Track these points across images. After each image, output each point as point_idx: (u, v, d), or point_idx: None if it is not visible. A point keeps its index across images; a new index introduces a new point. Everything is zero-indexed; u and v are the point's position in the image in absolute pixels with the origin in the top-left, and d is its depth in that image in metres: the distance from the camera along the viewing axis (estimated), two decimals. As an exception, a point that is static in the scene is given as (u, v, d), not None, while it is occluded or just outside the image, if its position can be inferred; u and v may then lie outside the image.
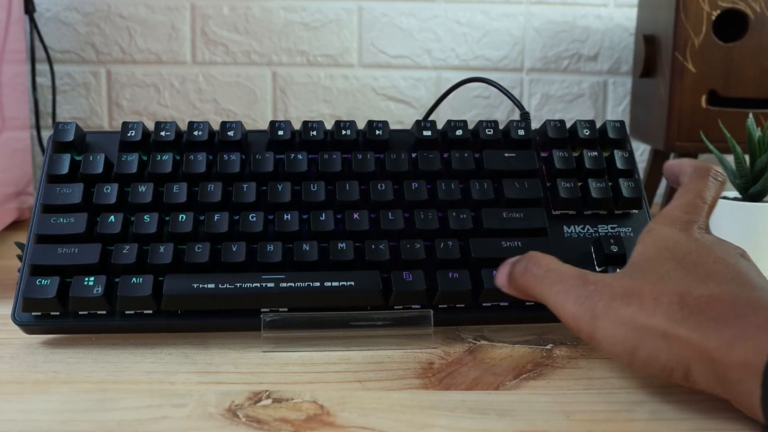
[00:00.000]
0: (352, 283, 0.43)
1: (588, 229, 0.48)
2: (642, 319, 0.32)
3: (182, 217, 0.45)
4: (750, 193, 0.60)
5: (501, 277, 0.40)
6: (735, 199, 0.62)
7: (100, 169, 0.47)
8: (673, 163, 0.44)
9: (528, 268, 0.38)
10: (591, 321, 0.34)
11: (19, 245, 0.55)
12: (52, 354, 0.42)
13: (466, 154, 0.49)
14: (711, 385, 0.31)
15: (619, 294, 0.33)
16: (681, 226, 0.38)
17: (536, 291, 0.37)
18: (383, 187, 0.47)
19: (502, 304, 0.45)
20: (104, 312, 0.43)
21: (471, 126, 0.51)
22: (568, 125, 0.51)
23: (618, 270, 0.37)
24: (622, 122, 0.51)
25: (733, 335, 0.30)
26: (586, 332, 0.34)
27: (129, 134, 0.49)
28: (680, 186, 0.42)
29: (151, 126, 0.50)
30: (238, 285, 0.43)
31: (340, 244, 0.45)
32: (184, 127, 0.50)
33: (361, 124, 0.51)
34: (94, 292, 0.42)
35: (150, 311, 0.43)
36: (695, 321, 0.31)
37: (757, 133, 0.59)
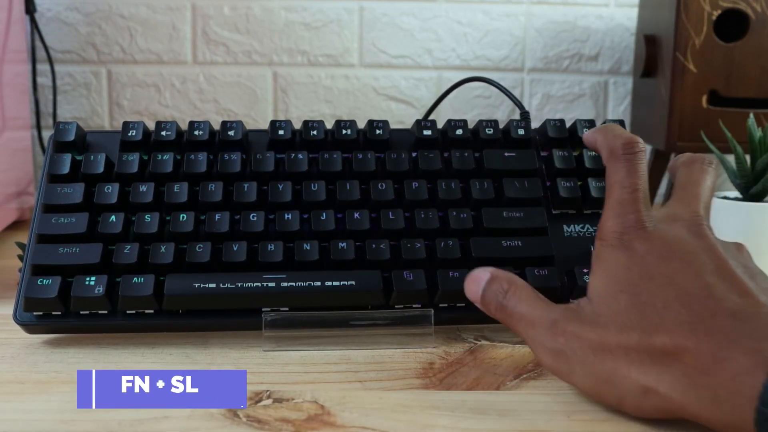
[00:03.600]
0: (353, 283, 0.43)
1: (588, 228, 0.48)
2: (619, 376, 0.33)
3: (183, 217, 0.46)
4: (751, 194, 0.60)
5: (472, 293, 0.39)
6: (736, 199, 0.62)
7: (101, 169, 0.47)
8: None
9: (503, 304, 0.38)
10: (568, 375, 0.35)
11: (20, 245, 0.55)
12: (53, 354, 0.42)
13: (466, 154, 0.49)
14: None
15: (590, 349, 0.34)
16: (619, 241, 0.36)
17: (509, 326, 0.38)
18: (384, 187, 0.47)
19: (502, 303, 0.45)
20: (105, 312, 0.43)
21: (471, 125, 0.51)
22: (569, 125, 0.51)
23: (580, 303, 0.36)
24: (621, 121, 0.51)
25: (709, 398, 0.30)
26: (566, 381, 0.35)
27: (130, 134, 0.49)
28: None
29: (151, 126, 0.50)
30: (239, 284, 0.43)
31: (340, 244, 0.45)
32: (184, 126, 0.50)
33: (361, 124, 0.51)
34: (96, 291, 0.42)
35: (151, 311, 0.43)
36: (670, 377, 0.31)
37: (758, 133, 0.59)
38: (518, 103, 0.56)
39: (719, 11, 0.75)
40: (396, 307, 0.44)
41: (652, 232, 0.36)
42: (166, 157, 0.48)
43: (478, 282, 0.39)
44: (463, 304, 0.44)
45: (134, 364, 0.40)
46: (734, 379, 0.29)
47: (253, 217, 0.46)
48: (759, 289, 0.32)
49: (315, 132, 0.50)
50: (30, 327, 0.43)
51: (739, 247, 0.36)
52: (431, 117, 0.58)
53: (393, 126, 0.51)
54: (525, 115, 0.56)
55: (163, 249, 0.44)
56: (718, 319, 0.31)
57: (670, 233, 0.35)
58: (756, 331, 0.30)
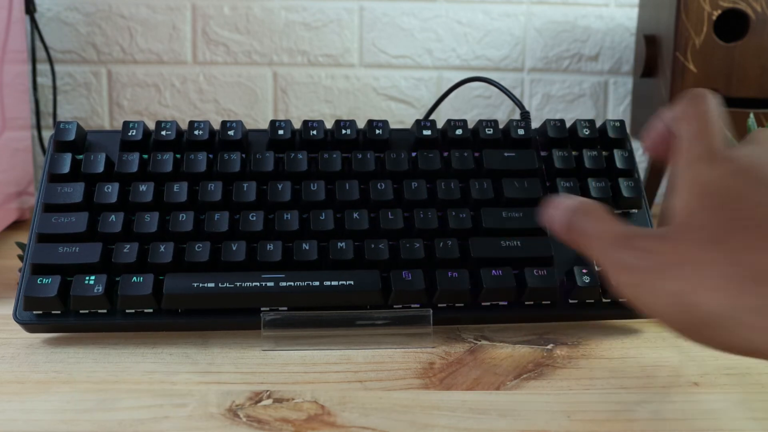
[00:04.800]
0: (352, 283, 0.43)
1: (588, 229, 0.48)
2: (690, 296, 0.29)
3: (183, 217, 0.46)
4: (751, 193, 0.60)
5: (559, 225, 0.34)
6: (736, 198, 0.62)
7: (101, 169, 0.47)
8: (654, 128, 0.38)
9: (571, 222, 0.34)
10: (635, 290, 0.31)
11: (20, 245, 0.55)
12: (53, 353, 0.42)
13: (466, 154, 0.49)
14: None
15: (666, 265, 0.30)
16: (705, 159, 0.33)
17: (589, 253, 0.34)
18: (383, 187, 0.47)
19: (501, 303, 0.45)
20: (105, 311, 0.43)
21: (471, 125, 0.51)
22: (569, 125, 0.51)
23: (660, 228, 0.32)
24: (622, 122, 0.51)
25: None
26: (632, 301, 0.31)
27: (130, 133, 0.49)
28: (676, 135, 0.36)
29: (151, 125, 0.50)
30: (238, 284, 0.43)
31: (339, 244, 0.45)
32: (184, 126, 0.50)
33: (361, 124, 0.51)
34: (95, 290, 0.42)
35: (150, 310, 0.43)
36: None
37: (758, 132, 0.59)
38: (518, 103, 0.56)
39: (719, 11, 0.75)
40: (394, 306, 0.44)
41: (733, 158, 0.32)
42: (166, 156, 0.48)
43: (561, 211, 0.35)
44: (462, 304, 0.44)
45: (134, 364, 0.40)
46: None
47: (252, 216, 0.46)
48: None
49: (315, 132, 0.50)
50: (30, 326, 0.43)
51: None
52: (431, 117, 0.58)
53: (393, 126, 0.51)
54: (525, 115, 0.56)
55: (162, 248, 0.44)
56: None
57: (755, 155, 0.32)
58: None
